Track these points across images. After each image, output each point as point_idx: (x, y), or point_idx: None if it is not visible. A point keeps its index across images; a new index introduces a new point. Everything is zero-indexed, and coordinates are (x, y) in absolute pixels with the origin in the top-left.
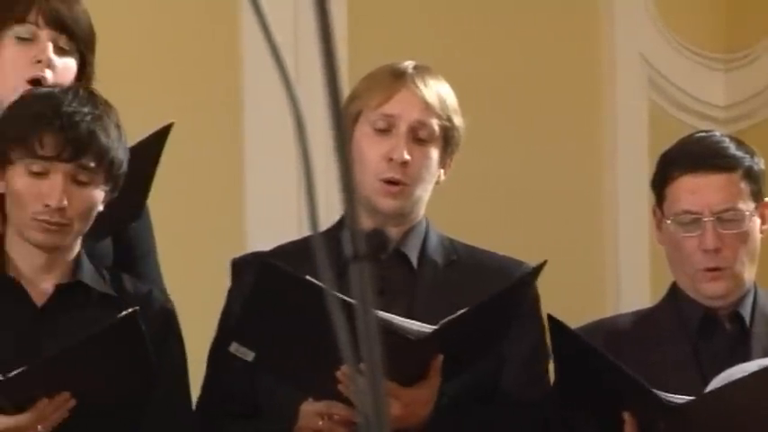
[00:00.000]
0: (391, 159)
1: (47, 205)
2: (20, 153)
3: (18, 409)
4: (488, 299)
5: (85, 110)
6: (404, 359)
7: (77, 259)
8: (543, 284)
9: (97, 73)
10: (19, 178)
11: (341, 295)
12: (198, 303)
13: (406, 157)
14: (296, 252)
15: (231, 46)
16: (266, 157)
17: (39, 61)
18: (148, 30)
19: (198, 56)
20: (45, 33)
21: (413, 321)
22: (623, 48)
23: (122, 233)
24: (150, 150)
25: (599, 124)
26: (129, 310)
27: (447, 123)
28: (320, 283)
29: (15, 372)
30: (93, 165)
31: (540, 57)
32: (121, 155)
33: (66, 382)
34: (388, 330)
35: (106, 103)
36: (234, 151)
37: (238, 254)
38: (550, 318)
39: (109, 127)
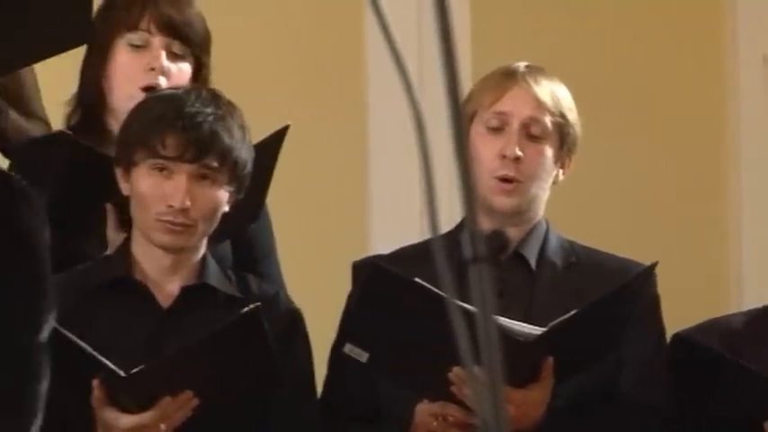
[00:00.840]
0: (504, 156)
1: (170, 206)
2: (143, 155)
3: (141, 408)
4: (597, 301)
5: (208, 110)
6: (514, 361)
7: (203, 261)
8: (665, 284)
9: (221, 75)
10: (143, 180)
11: (455, 300)
12: (320, 306)
13: (518, 153)
14: (416, 255)
15: (355, 47)
16: (391, 159)
17: (152, 69)
18: (272, 32)
19: (322, 57)
20: (157, 40)
21: (523, 324)
22: (746, 48)
23: (242, 234)
24: (268, 151)
25: (722, 124)
26: (251, 306)
27: (560, 120)
28: (430, 286)
29: (137, 369)
30: (216, 165)
31: (664, 57)
32: (245, 155)
33: (189, 381)
34: (499, 332)
35: (230, 104)
36: (358, 153)
37: (361, 256)
38: (678, 337)
39: (232, 127)
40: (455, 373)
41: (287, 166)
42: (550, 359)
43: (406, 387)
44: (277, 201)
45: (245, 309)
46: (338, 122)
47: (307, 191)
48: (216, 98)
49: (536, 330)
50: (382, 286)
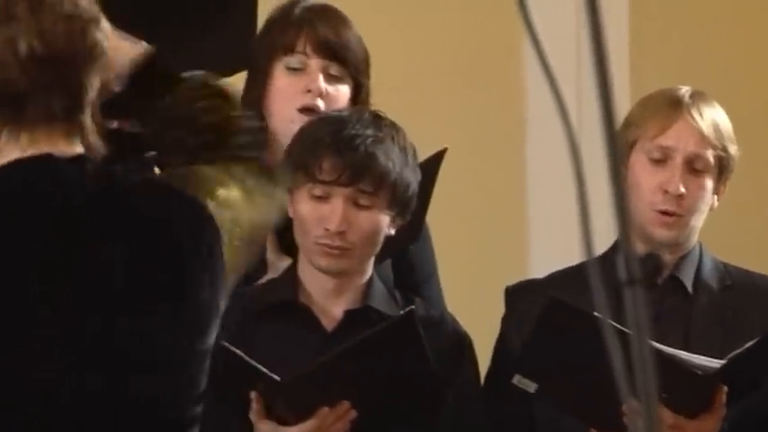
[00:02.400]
0: (666, 191)
1: (327, 229)
2: (303, 178)
3: (299, 420)
4: None
5: (368, 132)
6: (690, 392)
7: (369, 283)
8: None
9: (380, 95)
10: (303, 203)
11: (619, 325)
12: (478, 329)
13: (682, 190)
14: (569, 278)
15: (513, 65)
16: (550, 177)
17: (309, 91)
18: (431, 51)
19: (480, 76)
20: (315, 62)
21: (700, 356)
22: None
23: (403, 256)
24: (426, 174)
25: None
26: (407, 309)
27: (722, 153)
28: (607, 319)
29: (295, 376)
30: (371, 189)
31: None
32: (408, 177)
33: (346, 391)
34: (675, 364)
35: (392, 125)
36: (516, 173)
37: (520, 278)
38: None
39: (391, 150)
40: (629, 405)
41: (449, 189)
42: (724, 389)
43: (574, 416)
44: (437, 222)
45: (401, 312)
46: (497, 142)
47: (467, 213)
48: (377, 120)
49: (712, 363)
50: (560, 319)
